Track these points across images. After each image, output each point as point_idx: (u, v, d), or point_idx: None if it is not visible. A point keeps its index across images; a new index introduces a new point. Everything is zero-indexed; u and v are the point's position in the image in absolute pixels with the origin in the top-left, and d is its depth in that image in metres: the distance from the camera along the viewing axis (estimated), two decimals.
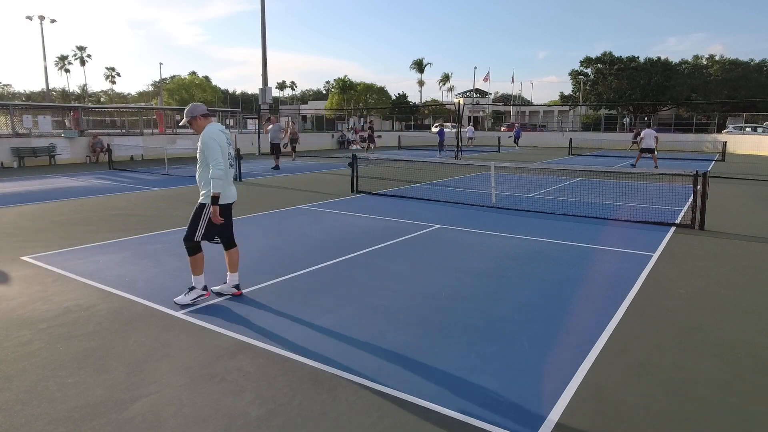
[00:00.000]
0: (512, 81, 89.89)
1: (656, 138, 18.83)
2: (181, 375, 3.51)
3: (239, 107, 70.00)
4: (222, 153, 4.63)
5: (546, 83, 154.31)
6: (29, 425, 2.92)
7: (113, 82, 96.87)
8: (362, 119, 58.02)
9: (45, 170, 18.37)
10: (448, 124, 50.24)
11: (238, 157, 14.97)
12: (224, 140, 4.71)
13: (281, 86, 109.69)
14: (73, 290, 5.24)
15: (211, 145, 4.58)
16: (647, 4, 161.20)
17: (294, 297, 5.06)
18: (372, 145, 27.42)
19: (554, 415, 3.05)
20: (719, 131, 40.99)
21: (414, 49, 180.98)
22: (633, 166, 19.22)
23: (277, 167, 18.66)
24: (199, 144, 4.69)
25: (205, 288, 4.92)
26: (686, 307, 4.89)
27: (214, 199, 4.59)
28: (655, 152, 18.89)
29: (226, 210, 4.86)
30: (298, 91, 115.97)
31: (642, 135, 19.37)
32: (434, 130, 35.47)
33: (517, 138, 39.22)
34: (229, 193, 4.82)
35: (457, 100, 34.77)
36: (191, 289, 4.86)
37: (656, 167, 18.12)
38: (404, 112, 66.31)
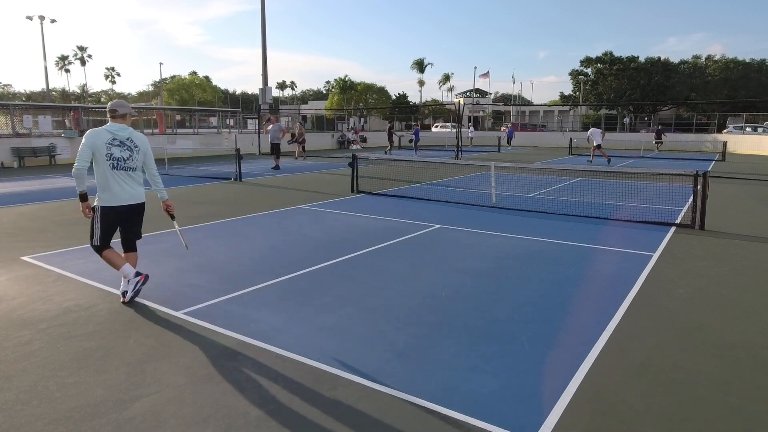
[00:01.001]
0: (513, 80, 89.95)
1: (602, 134, 22.76)
2: (181, 375, 3.51)
3: (239, 107, 70.01)
4: (96, 152, 4.54)
5: (546, 83, 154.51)
6: (29, 425, 2.92)
7: (113, 82, 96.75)
8: (362, 119, 58.00)
9: (45, 170, 18.38)
10: (444, 124, 50.09)
11: (238, 157, 14.97)
12: (103, 140, 4.57)
13: (281, 86, 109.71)
14: (73, 290, 5.24)
15: (82, 142, 4.56)
16: (647, 4, 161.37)
17: (294, 297, 5.06)
18: (390, 145, 27.40)
19: (554, 415, 3.05)
20: (719, 131, 41.01)
21: (414, 49, 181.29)
22: (590, 162, 22.20)
23: (277, 167, 18.67)
24: None
25: (137, 274, 4.82)
26: (686, 307, 4.89)
27: (80, 195, 4.69)
28: (602, 147, 22.58)
29: (120, 212, 4.73)
30: (298, 91, 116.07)
31: (589, 134, 22.64)
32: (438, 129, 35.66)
33: (509, 139, 38.07)
34: (112, 195, 4.64)
35: (457, 100, 34.73)
36: (125, 279, 4.82)
37: (591, 161, 21.92)
38: (404, 112, 66.28)
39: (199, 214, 9.49)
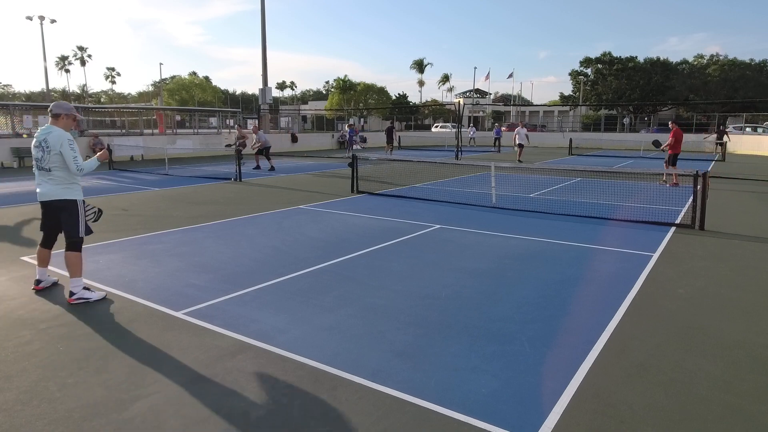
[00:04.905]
0: (512, 77, 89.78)
1: (527, 136, 24.92)
2: (181, 375, 3.51)
3: (239, 107, 70.00)
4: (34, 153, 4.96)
5: (546, 83, 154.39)
6: (29, 425, 2.92)
7: (113, 83, 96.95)
8: (362, 119, 57.95)
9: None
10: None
11: (238, 157, 14.95)
12: (33, 144, 4.96)
13: (281, 86, 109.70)
14: None
15: None
16: (647, 4, 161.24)
17: (294, 297, 5.06)
18: (389, 146, 27.22)
19: (554, 415, 3.05)
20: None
21: (414, 49, 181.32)
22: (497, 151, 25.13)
23: (272, 168, 18.61)
24: None
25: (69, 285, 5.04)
26: (686, 307, 4.89)
27: None
28: (523, 147, 24.01)
29: (43, 207, 5.07)
30: (298, 91, 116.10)
31: (516, 132, 24.14)
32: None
33: (496, 140, 35.33)
34: (38, 192, 5.01)
35: (457, 100, 34.64)
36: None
37: (520, 161, 22.17)
38: (404, 112, 66.29)
39: (199, 214, 9.49)
